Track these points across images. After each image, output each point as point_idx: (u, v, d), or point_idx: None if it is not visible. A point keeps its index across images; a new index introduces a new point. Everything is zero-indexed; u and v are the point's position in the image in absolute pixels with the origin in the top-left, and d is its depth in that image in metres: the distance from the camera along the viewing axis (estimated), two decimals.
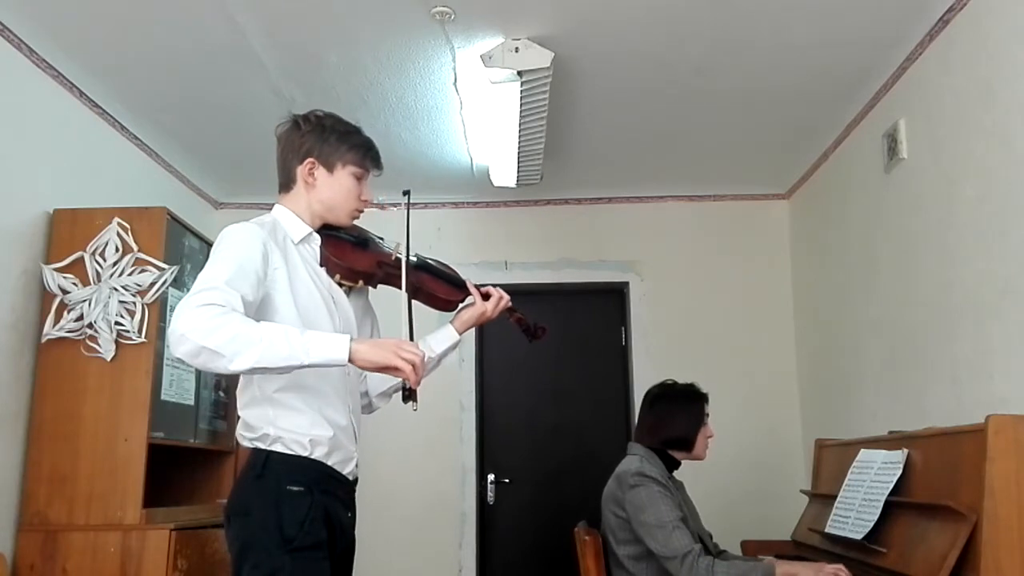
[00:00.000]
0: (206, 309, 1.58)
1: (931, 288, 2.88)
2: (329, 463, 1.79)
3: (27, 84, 2.94)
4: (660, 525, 2.34)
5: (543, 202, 4.56)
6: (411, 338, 1.81)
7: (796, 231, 4.41)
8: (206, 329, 1.55)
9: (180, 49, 2.96)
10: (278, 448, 1.75)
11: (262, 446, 1.76)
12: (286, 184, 1.92)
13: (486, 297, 2.06)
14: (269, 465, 1.73)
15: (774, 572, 2.23)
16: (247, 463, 1.79)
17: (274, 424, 1.75)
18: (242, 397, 1.82)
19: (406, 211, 1.94)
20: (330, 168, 1.89)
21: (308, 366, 1.60)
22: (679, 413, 2.63)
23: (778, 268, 4.45)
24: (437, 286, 2.01)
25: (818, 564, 2.29)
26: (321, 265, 1.89)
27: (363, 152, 1.93)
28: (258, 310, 1.72)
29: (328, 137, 1.90)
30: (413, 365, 1.62)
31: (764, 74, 3.18)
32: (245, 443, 1.80)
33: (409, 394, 1.75)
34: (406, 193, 1.95)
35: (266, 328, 1.59)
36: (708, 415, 2.66)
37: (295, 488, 1.72)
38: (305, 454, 1.76)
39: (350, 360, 1.61)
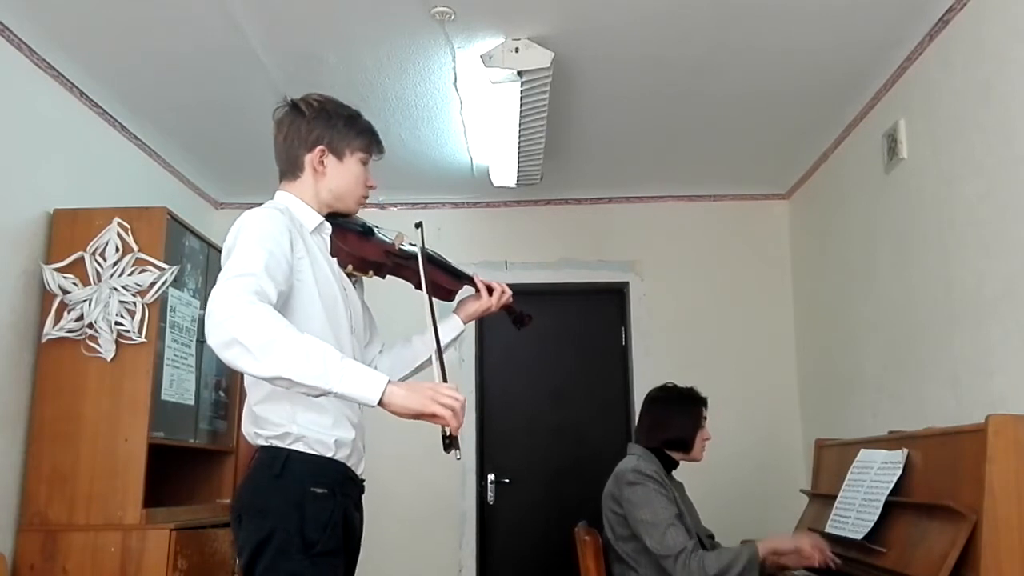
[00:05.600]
0: (249, 301, 1.50)
1: (931, 288, 2.88)
2: (349, 464, 1.76)
3: (27, 84, 2.94)
4: (655, 523, 2.40)
5: (543, 202, 4.56)
6: (444, 379, 1.68)
7: (796, 231, 4.41)
8: (247, 323, 1.46)
9: (180, 49, 2.96)
10: (299, 448, 1.68)
11: (280, 444, 1.68)
12: (291, 172, 1.85)
13: (490, 291, 2.08)
14: (289, 465, 1.66)
15: (757, 551, 2.32)
16: (260, 461, 1.70)
17: (295, 422, 1.68)
18: (257, 391, 1.73)
19: (421, 241, 1.94)
20: (340, 156, 1.86)
21: (333, 395, 1.47)
22: (677, 415, 2.67)
23: (778, 268, 4.45)
24: (443, 278, 2.02)
25: (797, 535, 2.38)
26: (332, 255, 1.85)
27: (369, 137, 1.91)
28: (286, 302, 1.66)
29: (336, 123, 1.85)
30: (453, 410, 1.50)
31: (764, 74, 3.18)
32: (259, 441, 1.72)
33: (451, 442, 1.56)
34: (418, 225, 1.94)
35: (307, 341, 1.48)
36: (706, 418, 2.70)
37: (319, 490, 1.67)
38: (329, 455, 1.71)
39: (382, 403, 1.47)
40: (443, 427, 1.54)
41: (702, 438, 2.67)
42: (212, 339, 1.48)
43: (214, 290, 1.54)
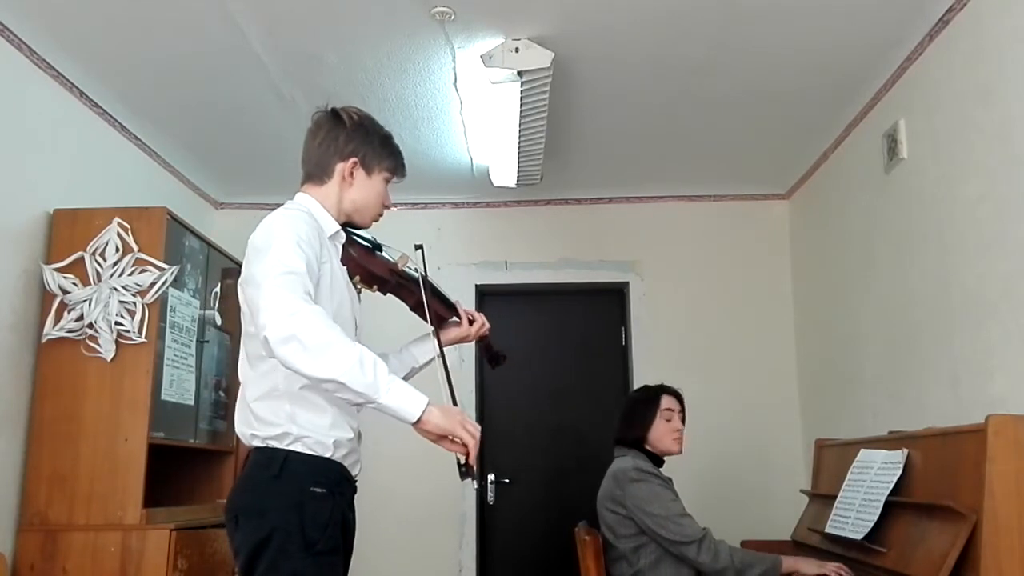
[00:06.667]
0: (305, 300, 1.56)
1: (930, 288, 2.88)
2: (346, 464, 1.77)
3: (27, 84, 2.94)
4: (669, 516, 2.47)
5: (543, 202, 4.56)
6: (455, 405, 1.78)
7: (796, 231, 4.41)
8: (307, 323, 1.53)
9: (180, 49, 2.96)
10: (298, 448, 1.68)
11: (277, 445, 1.69)
12: (319, 176, 1.89)
13: (470, 321, 2.12)
14: (288, 466, 1.67)
15: (780, 563, 2.40)
16: (256, 462, 1.71)
17: (295, 422, 1.69)
18: (254, 388, 1.73)
19: (422, 264, 1.98)
20: (369, 171, 1.91)
21: (375, 406, 1.56)
22: (630, 415, 2.75)
23: (778, 268, 4.45)
24: (439, 305, 2.06)
25: (820, 561, 2.40)
26: (342, 263, 1.87)
27: (398, 160, 1.98)
28: None
29: (372, 140, 1.91)
30: (474, 438, 1.63)
31: (764, 74, 3.18)
32: (255, 442, 1.72)
33: (467, 470, 1.67)
34: (418, 247, 2.00)
35: (360, 349, 1.56)
36: (672, 410, 2.71)
37: (318, 490, 1.68)
38: (327, 455, 1.71)
39: (419, 422, 1.58)
40: (458, 456, 1.66)
41: (669, 430, 2.68)
42: (272, 332, 1.52)
43: (265, 284, 1.57)
